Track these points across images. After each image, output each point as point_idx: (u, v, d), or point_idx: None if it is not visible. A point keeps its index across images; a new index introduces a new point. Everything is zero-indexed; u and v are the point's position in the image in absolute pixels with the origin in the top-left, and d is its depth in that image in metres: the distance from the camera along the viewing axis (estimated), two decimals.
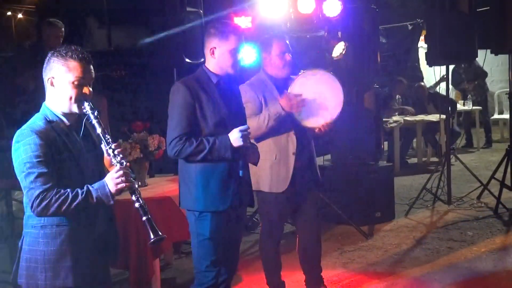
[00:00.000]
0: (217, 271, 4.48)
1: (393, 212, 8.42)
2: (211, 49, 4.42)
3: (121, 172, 3.39)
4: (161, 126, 6.55)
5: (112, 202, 3.45)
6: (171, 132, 4.33)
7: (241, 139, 4.30)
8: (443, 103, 9.60)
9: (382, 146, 8.70)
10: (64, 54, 3.43)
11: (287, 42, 5.38)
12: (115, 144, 3.48)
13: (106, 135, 3.47)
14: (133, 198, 3.46)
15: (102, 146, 3.48)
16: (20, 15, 18.64)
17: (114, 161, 3.44)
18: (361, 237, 7.52)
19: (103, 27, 14.29)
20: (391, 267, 6.54)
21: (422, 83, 13.39)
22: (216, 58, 4.42)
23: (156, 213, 5.64)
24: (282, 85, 5.32)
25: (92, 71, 3.52)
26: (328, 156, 8.79)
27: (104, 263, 3.73)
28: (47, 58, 3.48)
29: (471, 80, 14.01)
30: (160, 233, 3.48)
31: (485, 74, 14.16)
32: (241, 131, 4.31)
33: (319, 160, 8.46)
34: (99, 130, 3.46)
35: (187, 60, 7.09)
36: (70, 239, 3.42)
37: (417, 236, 7.53)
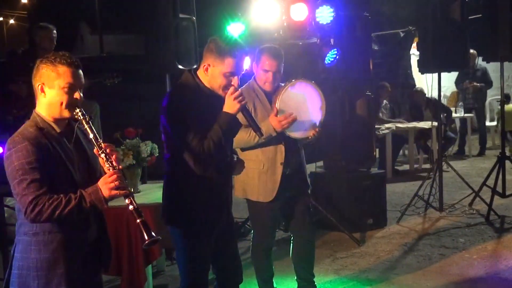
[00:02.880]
0: None
1: (385, 219, 8.43)
2: (205, 66, 4.22)
3: (114, 176, 3.39)
4: (154, 133, 6.56)
5: (105, 206, 3.45)
6: (186, 136, 4.10)
7: (236, 103, 4.16)
8: (438, 110, 9.61)
9: (374, 153, 8.69)
10: (53, 60, 3.43)
11: (278, 60, 5.30)
12: (108, 148, 3.47)
13: (99, 140, 3.46)
14: (127, 201, 3.45)
15: (95, 150, 3.48)
16: (11, 21, 18.63)
17: (106, 165, 3.43)
18: (353, 244, 7.52)
19: (95, 33, 14.31)
20: (383, 274, 6.55)
21: (420, 88, 13.41)
22: (208, 76, 4.22)
23: (149, 220, 5.61)
24: (271, 95, 5.33)
25: (82, 76, 3.52)
26: (321, 163, 8.80)
27: (96, 270, 3.72)
28: (36, 65, 3.48)
29: (477, 82, 14.00)
30: (154, 235, 3.44)
31: (490, 84, 14.16)
32: (230, 96, 4.16)
33: (312, 167, 8.52)
34: (91, 135, 3.46)
35: (180, 66, 7.09)
36: (62, 246, 3.42)
37: (409, 243, 7.54)
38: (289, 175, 5.35)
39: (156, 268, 6.79)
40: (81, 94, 3.49)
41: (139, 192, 6.33)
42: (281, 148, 5.29)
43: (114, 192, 3.39)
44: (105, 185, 3.38)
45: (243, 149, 5.23)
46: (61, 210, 3.28)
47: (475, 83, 13.94)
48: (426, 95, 12.78)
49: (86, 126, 3.46)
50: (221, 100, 4.22)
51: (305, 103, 5.35)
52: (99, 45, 13.41)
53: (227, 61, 4.14)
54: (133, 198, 3.47)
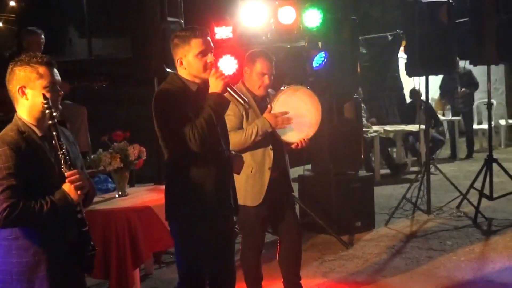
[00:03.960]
0: None
1: (373, 221, 8.44)
2: (178, 60, 4.25)
3: (76, 176, 3.43)
4: (142, 136, 6.57)
5: (78, 208, 3.51)
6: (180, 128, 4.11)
7: (220, 81, 4.16)
8: (427, 113, 9.65)
9: (362, 156, 8.71)
10: (28, 62, 3.45)
11: (272, 63, 5.37)
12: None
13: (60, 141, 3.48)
14: (77, 209, 3.51)
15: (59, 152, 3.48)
16: None
17: (64, 167, 3.44)
18: (341, 246, 7.53)
19: (84, 37, 14.30)
20: (371, 276, 6.56)
21: (418, 88, 13.41)
22: (186, 67, 4.24)
23: (136, 223, 5.66)
24: (260, 100, 5.39)
25: (58, 74, 3.56)
26: (309, 166, 8.81)
27: (78, 272, 3.72)
28: (10, 69, 3.48)
29: (464, 87, 14.08)
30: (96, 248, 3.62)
31: (477, 86, 14.24)
32: (213, 76, 4.18)
33: (300, 170, 8.54)
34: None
35: (168, 70, 7.08)
36: (43, 249, 3.43)
37: (397, 246, 7.56)
38: (276, 179, 5.37)
39: (144, 272, 6.77)
40: (62, 92, 3.57)
41: (127, 195, 6.32)
42: (269, 152, 5.32)
43: (80, 196, 3.45)
44: (72, 188, 3.42)
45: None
46: (35, 216, 3.31)
47: (464, 89, 14.03)
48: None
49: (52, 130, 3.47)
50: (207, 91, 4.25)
51: (302, 111, 5.41)
52: (87, 48, 13.41)
53: (192, 43, 4.18)
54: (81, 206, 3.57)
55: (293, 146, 5.43)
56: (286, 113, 5.22)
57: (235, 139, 4.99)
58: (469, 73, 13.96)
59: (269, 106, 5.27)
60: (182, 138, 4.08)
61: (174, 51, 4.28)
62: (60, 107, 3.53)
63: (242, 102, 4.37)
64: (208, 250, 4.37)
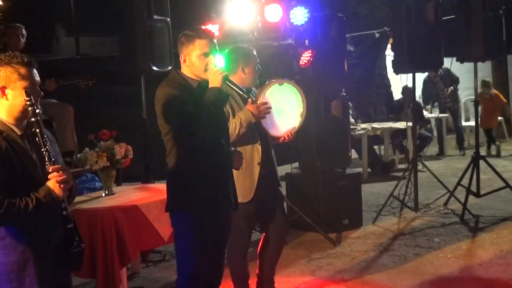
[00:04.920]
0: (200, 279, 4.47)
1: (361, 219, 8.45)
2: (183, 58, 4.44)
3: (60, 172, 3.42)
4: (128, 135, 6.55)
5: (63, 205, 3.51)
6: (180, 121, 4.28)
7: (218, 75, 4.30)
8: (414, 110, 9.66)
9: (350, 154, 8.71)
10: (9, 62, 3.45)
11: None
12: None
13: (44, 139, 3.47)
14: (62, 205, 3.51)
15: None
16: None
17: (48, 163, 3.43)
18: (329, 244, 7.54)
19: (71, 35, 14.26)
20: (359, 274, 6.56)
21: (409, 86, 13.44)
22: (189, 66, 4.42)
23: (123, 222, 5.64)
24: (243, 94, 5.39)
25: (37, 75, 3.56)
26: (296, 164, 8.81)
27: (66, 270, 3.71)
28: None
29: (448, 86, 14.15)
30: (82, 244, 3.62)
31: (458, 80, 14.34)
32: (211, 72, 4.33)
33: (287, 168, 8.54)
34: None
35: (155, 68, 7.08)
36: (30, 247, 3.42)
37: (384, 243, 7.57)
38: (265, 175, 5.39)
39: (131, 271, 6.76)
40: (42, 93, 3.58)
41: (113, 194, 6.30)
42: (258, 148, 5.33)
43: (64, 192, 3.44)
44: (56, 185, 3.41)
45: None
46: (20, 214, 3.30)
47: (451, 88, 14.10)
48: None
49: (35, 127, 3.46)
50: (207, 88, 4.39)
51: (287, 104, 5.48)
52: (74, 47, 13.36)
53: (197, 43, 4.37)
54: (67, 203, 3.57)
55: (280, 140, 5.49)
56: (266, 103, 5.27)
57: None
58: (448, 72, 14.03)
59: (250, 99, 5.29)
60: (183, 132, 4.26)
61: (180, 49, 4.47)
62: (39, 107, 3.52)
63: (242, 93, 4.63)
64: (209, 242, 4.46)
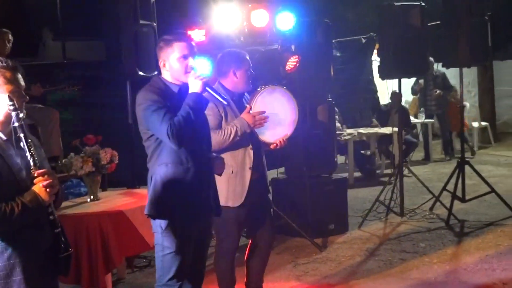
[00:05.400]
0: (179, 286, 4.45)
1: (347, 224, 8.46)
2: (162, 62, 4.44)
3: (45, 176, 3.40)
4: (114, 140, 6.53)
5: (50, 209, 3.48)
6: (159, 126, 4.23)
7: (198, 81, 4.30)
8: (400, 115, 9.70)
9: (336, 159, 8.73)
10: None
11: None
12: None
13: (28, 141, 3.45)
14: (49, 210, 3.48)
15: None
16: None
17: (34, 168, 3.42)
18: (315, 249, 7.54)
19: (57, 39, 14.19)
20: (345, 279, 6.57)
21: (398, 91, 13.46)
22: (169, 70, 4.41)
23: (108, 227, 5.63)
24: (237, 99, 5.43)
25: (22, 79, 3.55)
26: (282, 169, 8.82)
27: (54, 275, 3.70)
28: None
29: (439, 89, 14.18)
30: (70, 249, 3.60)
31: (450, 89, 14.36)
32: (191, 77, 4.33)
33: (274, 173, 8.53)
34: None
35: (141, 73, 7.07)
36: (17, 253, 3.40)
37: (370, 248, 7.58)
38: (256, 180, 5.40)
39: (117, 276, 6.73)
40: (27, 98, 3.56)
41: (99, 199, 6.28)
42: (250, 152, 5.34)
43: (51, 197, 3.42)
44: (43, 190, 3.39)
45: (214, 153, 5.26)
46: (6, 220, 3.28)
47: (439, 91, 14.13)
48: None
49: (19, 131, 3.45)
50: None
51: (280, 111, 5.48)
52: (61, 51, 13.30)
53: (175, 46, 4.38)
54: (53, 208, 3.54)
55: (271, 146, 5.48)
56: (263, 112, 5.27)
57: (215, 139, 5.06)
58: (443, 76, 14.11)
59: (247, 106, 5.31)
60: (164, 137, 4.22)
61: (159, 54, 4.46)
62: (24, 111, 3.50)
63: (222, 100, 4.53)
64: (187, 250, 4.43)
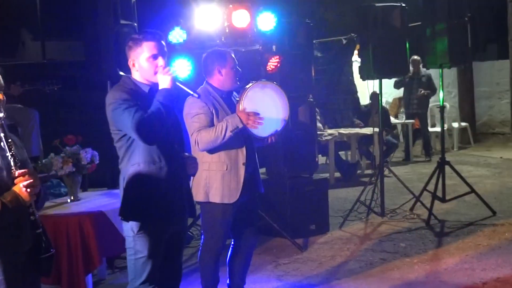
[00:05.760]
0: None
1: (328, 224, 8.47)
2: (131, 62, 4.36)
3: (26, 176, 3.39)
4: (94, 140, 6.51)
5: (31, 210, 3.46)
6: (130, 124, 4.14)
7: (167, 76, 4.25)
8: (380, 116, 9.71)
9: (317, 159, 8.74)
10: None
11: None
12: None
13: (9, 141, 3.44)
14: (30, 210, 3.46)
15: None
16: None
17: (14, 168, 3.40)
18: (296, 249, 7.55)
19: (37, 39, 14.11)
20: (326, 279, 6.58)
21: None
22: (138, 70, 4.34)
23: (89, 228, 5.61)
24: (226, 97, 5.44)
25: (1, 79, 3.54)
26: (263, 169, 8.81)
27: (36, 276, 3.68)
28: None
29: (424, 89, 14.25)
30: (51, 249, 3.58)
31: (435, 91, 14.42)
32: (160, 74, 4.28)
33: None
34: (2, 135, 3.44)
35: (121, 73, 7.04)
36: None
37: (351, 248, 7.60)
38: (249, 177, 5.42)
39: (97, 277, 6.70)
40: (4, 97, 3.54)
41: (79, 200, 6.26)
42: (243, 149, 5.36)
43: (32, 196, 3.40)
44: (23, 190, 3.37)
45: (209, 151, 5.29)
46: None
47: (424, 91, 14.21)
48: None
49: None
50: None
51: (270, 107, 5.46)
52: (40, 51, 13.23)
53: (144, 45, 4.30)
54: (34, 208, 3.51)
55: (267, 141, 5.49)
56: (258, 113, 5.25)
57: (207, 137, 5.11)
58: (429, 76, 14.21)
59: (238, 104, 5.31)
60: (134, 134, 4.15)
61: (128, 53, 4.38)
62: (3, 111, 3.48)
63: (193, 93, 4.46)
64: (159, 253, 4.39)
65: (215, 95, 5.36)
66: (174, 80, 4.29)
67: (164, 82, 4.25)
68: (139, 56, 4.30)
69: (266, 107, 5.40)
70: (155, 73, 4.29)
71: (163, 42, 4.37)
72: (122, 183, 4.39)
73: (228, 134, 5.15)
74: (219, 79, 5.39)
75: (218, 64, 5.38)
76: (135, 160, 4.29)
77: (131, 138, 4.25)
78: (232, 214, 5.39)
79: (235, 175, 5.32)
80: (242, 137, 5.33)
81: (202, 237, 5.59)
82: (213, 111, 5.25)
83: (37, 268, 3.62)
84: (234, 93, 5.56)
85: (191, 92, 4.45)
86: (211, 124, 5.23)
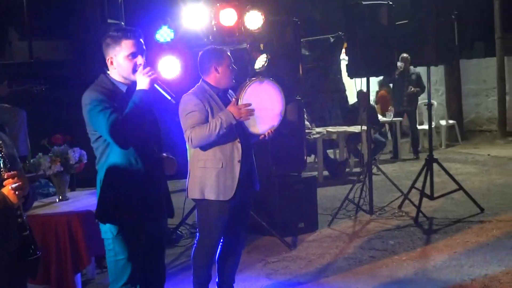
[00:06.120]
0: None
1: (316, 222, 8.47)
2: (109, 60, 4.30)
3: (15, 178, 3.36)
4: (83, 139, 6.48)
5: (18, 212, 3.44)
6: (104, 126, 4.10)
7: (146, 78, 4.20)
8: (368, 114, 9.74)
9: (305, 157, 8.75)
10: None
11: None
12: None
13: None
14: (18, 212, 3.44)
15: None
16: None
17: (4, 170, 3.38)
18: (285, 248, 7.55)
19: (24, 39, 14.08)
20: (315, 277, 6.59)
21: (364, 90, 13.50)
22: (116, 67, 4.28)
23: (77, 227, 5.60)
24: (222, 95, 5.45)
25: None
26: None
27: (22, 278, 3.66)
28: None
29: (414, 86, 14.31)
30: (38, 252, 3.53)
31: (423, 89, 14.45)
32: (139, 74, 4.22)
33: None
34: None
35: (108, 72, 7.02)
36: None
37: (340, 246, 7.61)
38: (245, 174, 5.43)
39: (86, 277, 6.68)
40: None
41: (67, 199, 6.24)
42: (238, 145, 5.35)
43: (20, 199, 3.38)
44: (12, 192, 3.35)
45: (203, 148, 5.28)
46: None
47: (414, 89, 14.26)
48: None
49: None
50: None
51: (267, 103, 5.50)
52: (28, 51, 13.21)
53: (123, 44, 4.24)
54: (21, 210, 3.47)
55: (260, 137, 5.50)
56: (249, 105, 5.25)
57: (200, 134, 5.10)
58: (418, 74, 14.27)
59: (233, 98, 5.33)
60: (111, 138, 4.11)
61: (106, 51, 4.32)
62: None
63: (170, 98, 4.40)
64: (139, 254, 4.38)
65: (211, 93, 5.35)
66: (153, 81, 4.23)
67: (142, 83, 4.20)
68: (118, 54, 4.25)
69: (264, 104, 5.44)
70: (134, 71, 4.25)
71: (142, 40, 4.31)
72: (99, 184, 4.36)
73: (223, 130, 5.14)
74: (216, 76, 5.39)
75: (215, 62, 5.38)
76: (111, 162, 4.25)
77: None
78: (228, 212, 5.38)
79: (231, 172, 5.32)
80: (237, 134, 5.33)
81: (197, 234, 5.59)
82: (208, 109, 5.25)
83: (23, 270, 3.60)
84: (230, 91, 5.56)
85: (168, 97, 4.38)
86: (206, 121, 5.22)
